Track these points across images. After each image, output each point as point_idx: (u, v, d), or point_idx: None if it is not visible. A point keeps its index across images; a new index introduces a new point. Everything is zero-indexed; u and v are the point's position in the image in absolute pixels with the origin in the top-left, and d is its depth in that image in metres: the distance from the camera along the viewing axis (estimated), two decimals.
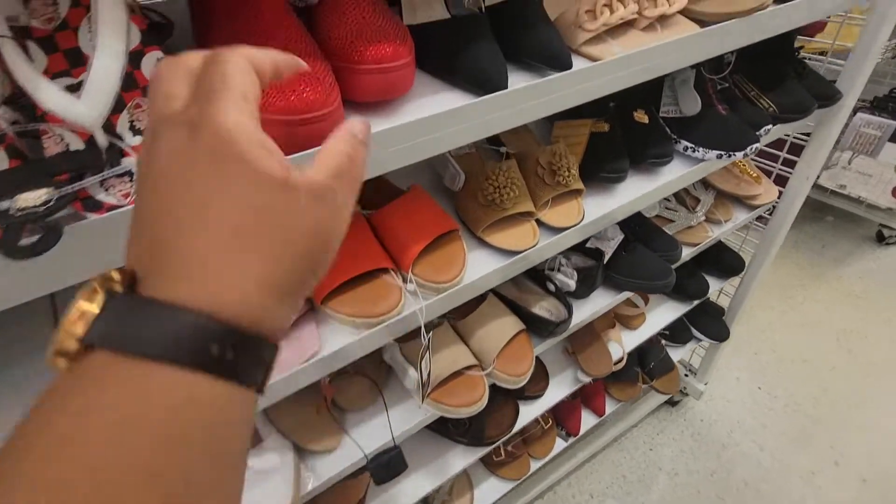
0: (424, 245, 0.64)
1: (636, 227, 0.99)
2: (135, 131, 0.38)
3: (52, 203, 0.32)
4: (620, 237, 0.94)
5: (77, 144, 0.35)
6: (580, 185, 0.76)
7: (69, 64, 0.36)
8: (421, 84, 0.55)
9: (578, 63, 0.61)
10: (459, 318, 0.83)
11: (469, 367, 0.78)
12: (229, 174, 0.18)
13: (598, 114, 0.82)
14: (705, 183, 1.15)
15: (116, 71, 0.34)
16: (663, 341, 1.42)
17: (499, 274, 0.70)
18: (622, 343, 1.14)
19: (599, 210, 0.79)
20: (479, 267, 0.69)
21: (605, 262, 0.91)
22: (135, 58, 0.37)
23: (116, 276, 0.18)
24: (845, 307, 1.99)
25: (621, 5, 0.61)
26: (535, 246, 0.70)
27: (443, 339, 0.79)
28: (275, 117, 0.39)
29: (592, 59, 0.61)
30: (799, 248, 2.26)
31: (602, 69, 0.58)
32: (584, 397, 1.30)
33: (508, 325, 0.82)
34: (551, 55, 0.55)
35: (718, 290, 1.35)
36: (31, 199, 0.32)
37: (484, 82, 0.52)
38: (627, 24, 0.64)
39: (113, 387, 0.16)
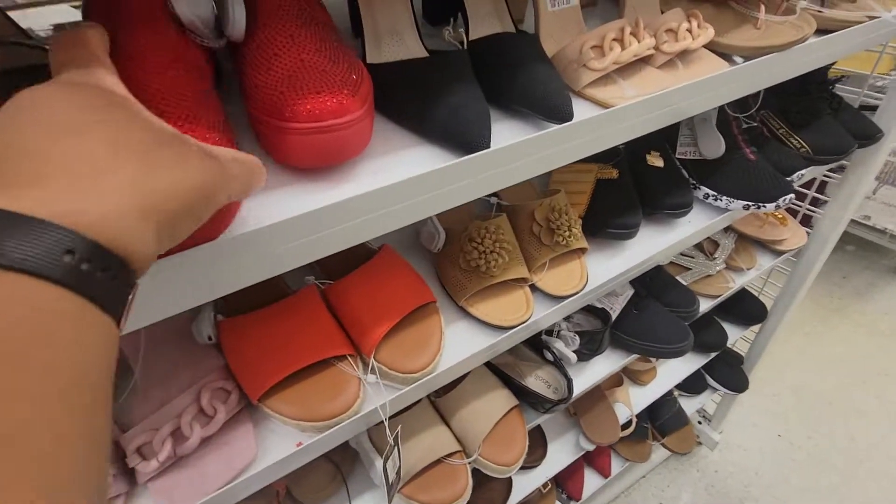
0: (391, 325, 0.52)
1: (648, 279, 0.88)
2: None
3: None
4: (630, 293, 0.83)
5: None
6: (583, 244, 0.65)
7: None
8: (383, 135, 0.44)
9: (582, 109, 0.50)
10: (441, 394, 0.71)
11: (450, 455, 0.67)
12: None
13: (605, 157, 0.71)
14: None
15: None
16: (676, 392, 1.30)
17: (483, 354, 0.58)
18: (630, 403, 1.02)
19: (606, 271, 0.67)
20: (460, 346, 0.57)
21: (612, 323, 0.79)
22: None
23: None
24: (871, 346, 1.85)
25: (635, 39, 0.50)
26: (527, 321, 0.59)
27: (419, 419, 0.68)
28: None
29: (599, 103, 0.50)
30: (817, 278, 2.13)
31: (612, 118, 0.47)
32: (588, 456, 1.18)
33: (498, 401, 0.70)
34: (548, 104, 0.44)
35: (738, 337, 1.22)
36: None
37: (462, 141, 0.41)
38: (642, 61, 0.53)
39: None
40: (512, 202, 0.68)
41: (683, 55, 0.54)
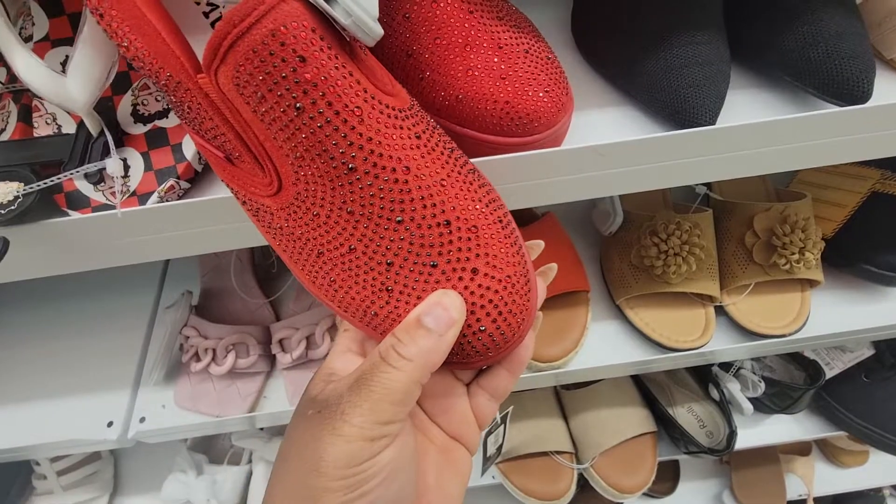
0: None
1: None
2: (137, 118, 0.30)
3: (19, 200, 0.26)
4: (866, 354, 0.60)
5: (70, 127, 0.29)
6: (817, 276, 0.47)
7: (73, 30, 0.29)
8: (585, 86, 0.36)
9: (885, 90, 0.33)
10: (569, 387, 0.64)
11: (559, 452, 0.61)
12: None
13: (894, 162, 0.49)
14: None
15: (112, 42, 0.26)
16: (889, 490, 0.97)
17: (630, 368, 0.49)
18: (811, 481, 0.79)
19: (841, 319, 0.49)
20: (605, 350, 0.49)
21: (822, 382, 0.59)
22: None
23: None
24: None
25: None
26: (698, 348, 0.47)
27: (538, 405, 0.63)
28: None
29: None
30: None
31: None
32: None
33: (632, 419, 0.61)
34: (828, 73, 0.29)
35: None
36: (2, 193, 0.26)
37: (674, 109, 0.30)
38: None
39: None
40: (727, 196, 0.53)
41: None
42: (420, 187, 0.20)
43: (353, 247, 0.21)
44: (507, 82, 0.27)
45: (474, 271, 0.20)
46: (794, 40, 0.31)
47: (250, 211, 0.23)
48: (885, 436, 0.59)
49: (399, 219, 0.20)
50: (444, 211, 0.20)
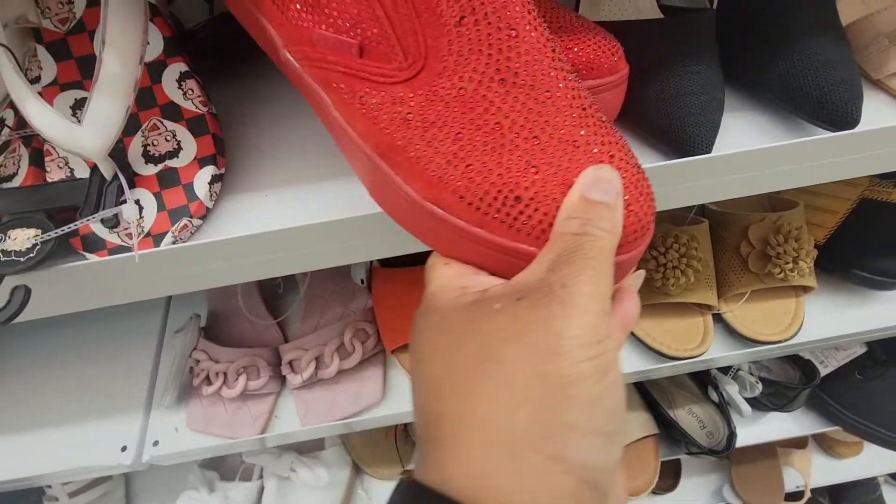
0: None
1: None
2: (148, 158, 0.31)
3: (38, 247, 0.27)
4: (858, 352, 0.62)
5: (82, 171, 0.30)
6: (809, 283, 0.49)
7: (81, 74, 0.30)
8: None
9: (876, 108, 0.34)
10: None
11: None
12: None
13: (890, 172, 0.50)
14: None
15: (128, 88, 0.27)
16: (882, 478, 1.00)
17: (630, 377, 0.51)
18: (809, 473, 0.82)
19: (836, 323, 0.51)
20: None
21: (817, 382, 0.61)
22: (155, 70, 0.29)
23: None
24: None
25: None
26: (698, 356, 0.48)
27: None
28: None
29: None
30: None
31: None
32: None
33: (635, 423, 0.62)
34: (816, 99, 0.31)
35: None
36: (21, 240, 0.27)
37: (671, 137, 0.31)
38: None
39: None
40: (722, 206, 0.54)
41: None
42: (563, 69, 0.21)
43: (499, 122, 0.20)
44: None
45: (611, 156, 0.20)
46: (787, 67, 0.32)
47: (364, 108, 0.22)
48: (878, 430, 0.61)
49: (547, 90, 0.20)
50: (580, 96, 0.21)
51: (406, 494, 0.16)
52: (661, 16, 0.35)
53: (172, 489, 0.65)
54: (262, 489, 0.64)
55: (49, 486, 0.64)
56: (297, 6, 0.23)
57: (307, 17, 0.23)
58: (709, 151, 0.31)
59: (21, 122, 0.34)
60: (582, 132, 0.20)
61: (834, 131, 0.31)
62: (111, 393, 0.53)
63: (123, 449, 0.50)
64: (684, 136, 0.31)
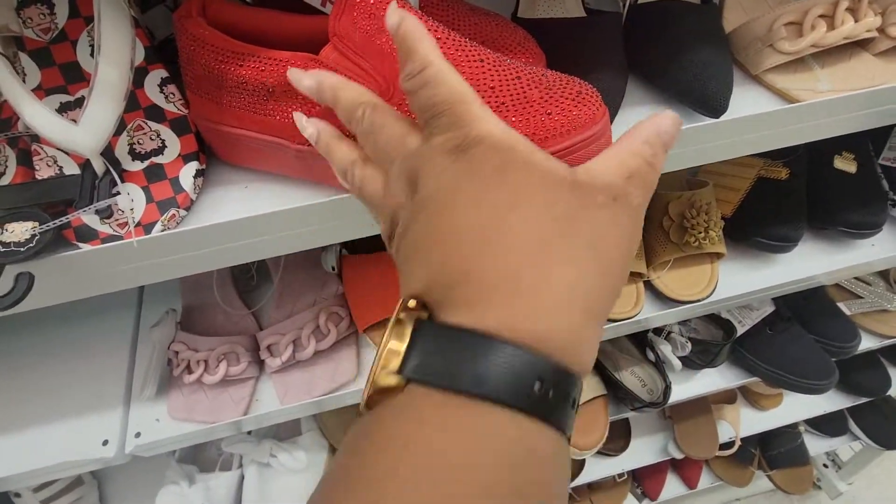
0: None
1: (802, 299, 0.75)
2: (135, 155, 0.34)
3: (36, 238, 0.30)
4: (768, 310, 0.72)
5: (71, 168, 0.33)
6: (719, 249, 0.57)
7: (65, 80, 0.33)
8: None
9: (753, 99, 0.42)
10: None
11: None
12: (517, 183, 0.17)
13: (778, 152, 0.60)
14: None
15: (121, 92, 0.30)
16: (803, 426, 1.13)
17: None
18: (738, 425, 0.92)
19: (744, 283, 0.59)
20: None
21: (735, 337, 0.70)
22: (138, 75, 0.33)
23: (414, 304, 0.18)
24: None
25: (850, 17, 0.40)
26: (632, 318, 0.56)
27: None
28: None
29: (780, 94, 0.42)
30: None
31: (791, 115, 0.39)
32: (676, 461, 1.11)
33: (586, 385, 0.69)
34: (697, 90, 0.38)
35: None
36: (18, 232, 0.30)
37: None
38: (857, 45, 0.42)
39: (437, 429, 0.15)
40: None
41: None
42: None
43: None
44: None
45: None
46: (677, 66, 0.39)
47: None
48: (787, 377, 0.71)
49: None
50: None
51: (438, 335, 0.17)
52: (584, 14, 0.42)
53: (145, 489, 0.66)
54: (242, 477, 0.66)
55: (18, 496, 0.64)
56: None
57: None
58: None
59: (2, 125, 0.36)
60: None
61: (712, 118, 0.38)
62: (89, 390, 0.54)
63: (105, 443, 0.51)
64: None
